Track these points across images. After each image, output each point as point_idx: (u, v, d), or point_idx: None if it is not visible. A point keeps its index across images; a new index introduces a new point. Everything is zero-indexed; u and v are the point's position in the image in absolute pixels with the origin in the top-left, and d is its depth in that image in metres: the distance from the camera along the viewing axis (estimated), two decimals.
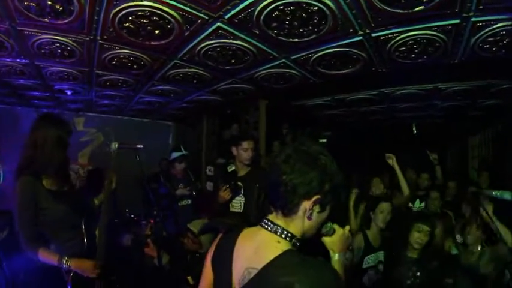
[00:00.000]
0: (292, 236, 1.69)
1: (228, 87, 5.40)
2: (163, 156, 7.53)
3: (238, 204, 4.67)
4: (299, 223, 1.70)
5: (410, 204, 6.25)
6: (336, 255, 1.95)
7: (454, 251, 4.67)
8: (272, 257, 1.59)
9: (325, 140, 10.26)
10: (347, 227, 1.99)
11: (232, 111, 7.37)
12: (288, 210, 1.67)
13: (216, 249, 1.92)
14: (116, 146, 3.51)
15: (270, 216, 1.75)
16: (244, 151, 4.61)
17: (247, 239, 1.79)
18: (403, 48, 3.72)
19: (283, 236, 1.68)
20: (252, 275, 1.63)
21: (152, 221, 4.63)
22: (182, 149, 5.94)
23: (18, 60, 4.47)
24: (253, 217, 4.31)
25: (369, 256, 4.45)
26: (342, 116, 8.14)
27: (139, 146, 3.67)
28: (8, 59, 4.45)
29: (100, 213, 3.39)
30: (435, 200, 5.88)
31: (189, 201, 5.87)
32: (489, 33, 3.36)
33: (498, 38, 3.45)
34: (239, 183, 4.65)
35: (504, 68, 4.51)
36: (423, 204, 6.19)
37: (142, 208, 6.87)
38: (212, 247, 1.95)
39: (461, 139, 11.00)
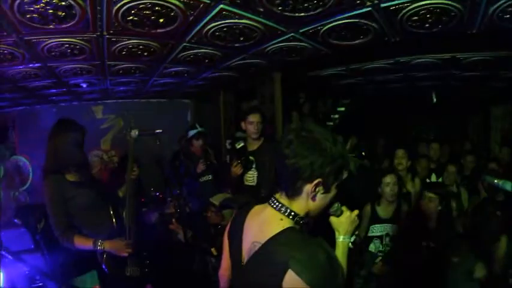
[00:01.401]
0: (295, 215, 1.81)
1: (240, 63, 5.37)
2: (183, 134, 7.56)
3: (251, 178, 4.81)
4: (302, 203, 1.81)
5: (434, 178, 6.21)
6: (341, 236, 2.03)
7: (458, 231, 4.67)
8: (274, 233, 1.74)
9: (343, 109, 10.25)
10: (355, 211, 2.06)
11: (248, 85, 7.34)
12: (292, 193, 1.80)
13: (231, 224, 2.08)
14: (137, 133, 3.63)
15: (277, 195, 1.89)
16: (250, 124, 4.68)
17: (255, 215, 1.94)
18: (416, 18, 3.58)
19: (286, 214, 1.80)
20: (257, 249, 1.79)
21: (177, 197, 4.76)
22: (197, 126, 5.97)
23: (31, 65, 4.56)
24: (265, 189, 4.51)
25: (375, 225, 4.54)
26: (358, 84, 8.09)
27: (158, 131, 3.78)
28: (21, 66, 4.55)
29: (125, 200, 3.70)
30: (451, 174, 5.79)
31: (210, 177, 5.91)
32: (509, 2, 3.19)
33: None
34: (251, 157, 4.73)
35: None
36: (440, 179, 6.09)
37: (165, 186, 6.99)
38: (229, 223, 2.11)
39: (484, 109, 10.67)
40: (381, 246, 4.51)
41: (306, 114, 8.62)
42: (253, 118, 4.69)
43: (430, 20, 3.65)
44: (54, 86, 6.12)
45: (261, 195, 4.49)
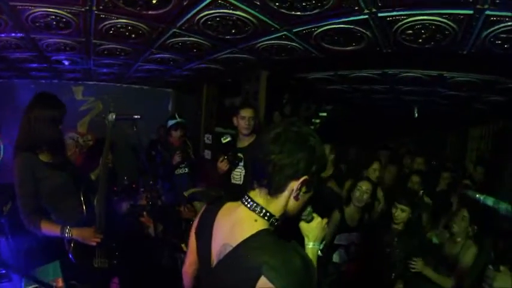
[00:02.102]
0: (271, 216, 1.70)
1: (228, 57, 5.30)
2: (162, 123, 7.47)
3: (238, 176, 4.62)
4: (282, 202, 1.70)
5: None
6: (311, 243, 1.96)
7: (435, 241, 4.68)
8: (247, 235, 1.62)
9: (325, 114, 10.19)
10: (325, 219, 1.99)
11: (233, 80, 7.28)
12: (275, 190, 1.67)
13: (199, 221, 1.94)
14: (114, 117, 3.48)
15: (251, 193, 1.75)
16: (242, 119, 4.52)
17: (227, 214, 1.81)
18: (410, 32, 3.59)
19: (261, 214, 1.69)
20: (227, 251, 1.66)
21: (150, 188, 4.66)
22: (177, 116, 5.88)
23: (13, 34, 4.40)
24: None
25: (342, 234, 4.47)
26: (344, 91, 8.07)
27: (136, 117, 3.64)
28: (2, 34, 4.38)
29: (97, 185, 3.51)
30: (415, 184, 5.83)
31: (186, 170, 5.82)
32: (503, 29, 3.24)
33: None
34: (239, 154, 4.56)
35: None
36: None
37: (140, 176, 6.88)
38: (196, 218, 1.98)
39: (462, 129, 10.93)
40: (345, 257, 4.47)
41: (287, 116, 8.59)
42: (246, 113, 4.52)
43: (424, 36, 3.67)
44: (36, 60, 5.96)
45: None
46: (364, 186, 4.52)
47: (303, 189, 1.68)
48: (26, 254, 3.37)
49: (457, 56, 4.10)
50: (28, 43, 4.83)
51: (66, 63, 6.14)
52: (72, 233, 3.21)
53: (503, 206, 3.51)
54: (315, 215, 1.95)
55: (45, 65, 6.51)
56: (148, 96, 9.27)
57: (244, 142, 4.62)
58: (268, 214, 1.69)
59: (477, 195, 3.15)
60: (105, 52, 5.27)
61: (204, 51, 4.97)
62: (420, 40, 3.78)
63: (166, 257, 4.56)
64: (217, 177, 4.66)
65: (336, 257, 4.47)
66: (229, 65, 5.89)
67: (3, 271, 3.02)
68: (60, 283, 2.95)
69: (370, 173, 5.51)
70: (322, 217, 1.99)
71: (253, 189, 1.75)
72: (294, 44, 4.41)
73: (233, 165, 4.53)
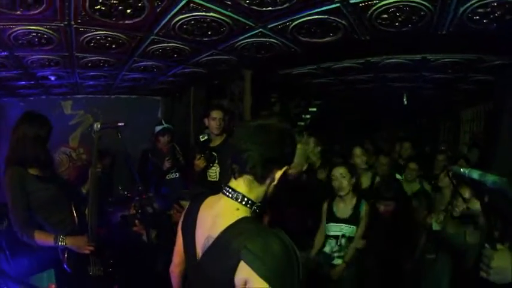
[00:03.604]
0: (253, 203, 1.78)
1: (210, 59, 5.35)
2: (153, 132, 7.53)
3: (214, 173, 4.89)
4: (264, 189, 1.81)
5: (398, 176, 6.35)
6: None
7: (436, 227, 4.69)
8: (228, 223, 1.69)
9: (315, 109, 10.37)
10: None
11: (219, 82, 7.34)
12: (262, 177, 1.77)
13: (184, 217, 2.01)
14: (99, 126, 3.58)
15: (232, 184, 1.83)
16: (212, 120, 4.81)
17: (209, 207, 1.88)
18: (385, 16, 3.60)
19: (243, 202, 1.76)
20: (210, 243, 1.73)
21: (144, 197, 4.70)
22: (163, 122, 5.96)
23: None
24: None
25: (330, 224, 4.48)
26: (330, 84, 8.09)
27: (120, 124, 3.72)
28: None
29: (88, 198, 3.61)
30: (413, 171, 5.98)
31: (177, 175, 5.91)
32: (479, 3, 3.23)
33: (489, 9, 3.33)
34: (213, 153, 4.82)
35: (496, 43, 4.41)
36: (402, 176, 6.25)
37: (133, 185, 6.91)
38: (182, 215, 2.05)
39: (454, 112, 10.98)
40: (336, 247, 4.43)
41: (276, 114, 8.62)
42: (216, 114, 4.86)
43: (399, 19, 3.66)
44: (22, 77, 6.00)
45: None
46: (338, 171, 4.43)
47: (280, 179, 1.81)
48: (23, 267, 3.44)
49: (437, 36, 4.11)
50: (12, 61, 4.89)
51: (53, 78, 6.16)
52: (65, 241, 3.32)
53: (490, 179, 3.54)
54: None
55: (32, 82, 6.54)
56: (138, 105, 9.25)
57: (216, 141, 4.92)
58: (250, 202, 1.77)
59: (462, 170, 3.22)
60: (89, 64, 5.33)
61: (184, 55, 5.02)
62: (397, 24, 3.77)
63: (160, 263, 4.60)
64: (195, 174, 4.88)
65: (327, 248, 4.47)
66: (212, 68, 5.92)
67: (4, 286, 3.07)
68: None
69: (355, 161, 5.59)
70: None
71: (235, 178, 1.83)
72: (271, 40, 4.46)
73: (209, 163, 4.77)
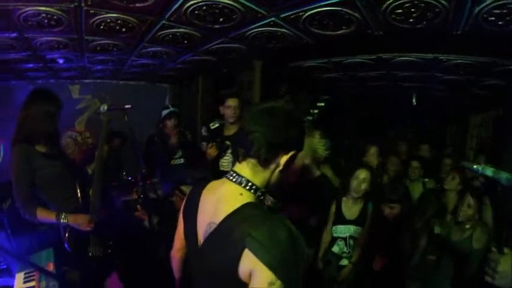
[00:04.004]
0: (257, 188, 1.71)
1: (220, 47, 5.31)
2: (160, 119, 7.51)
3: (227, 163, 4.77)
4: (268, 175, 1.75)
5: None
6: None
7: (437, 230, 4.55)
8: (231, 210, 1.61)
9: (323, 104, 10.24)
10: None
11: (228, 71, 7.30)
12: (264, 162, 1.70)
13: (185, 202, 1.95)
14: (105, 108, 3.53)
15: (237, 168, 1.78)
16: (227, 108, 4.69)
17: (211, 192, 1.81)
18: (400, 11, 3.54)
19: (247, 187, 1.70)
20: (212, 229, 1.66)
21: (148, 182, 4.66)
22: (170, 106, 5.93)
23: (6, 34, 4.45)
24: None
25: (338, 226, 4.40)
26: (340, 80, 8.00)
27: (127, 106, 3.67)
28: None
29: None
30: (415, 169, 5.89)
31: (182, 160, 5.86)
32: (495, 3, 3.17)
33: (505, 11, 3.28)
34: (227, 142, 4.70)
35: (511, 46, 4.30)
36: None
37: (138, 170, 6.90)
38: (184, 200, 1.99)
39: (462, 116, 10.81)
40: (345, 248, 4.36)
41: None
42: (231, 102, 4.71)
43: (414, 15, 3.60)
44: (30, 59, 5.98)
45: None
46: (362, 174, 4.36)
47: (286, 165, 1.73)
48: (23, 245, 3.42)
49: (451, 36, 4.04)
50: (22, 42, 4.85)
51: (61, 61, 6.15)
52: (67, 218, 3.31)
53: (504, 176, 3.52)
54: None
55: (41, 65, 6.53)
56: (145, 92, 9.21)
57: (230, 130, 4.78)
58: (254, 187, 1.70)
59: (474, 166, 3.16)
60: (98, 48, 5.29)
61: (194, 42, 4.97)
62: (411, 20, 3.72)
63: (162, 249, 4.58)
64: (207, 163, 4.78)
65: (336, 248, 4.41)
66: (222, 56, 5.88)
67: (4, 266, 3.04)
68: (51, 267, 2.96)
69: (369, 160, 5.51)
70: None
71: (239, 162, 1.78)
72: (283, 30, 4.40)
73: (221, 152, 4.67)
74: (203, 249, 1.72)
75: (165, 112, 5.81)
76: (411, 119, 11.34)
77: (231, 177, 1.75)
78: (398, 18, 3.71)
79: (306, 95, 9.91)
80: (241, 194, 1.69)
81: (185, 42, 4.96)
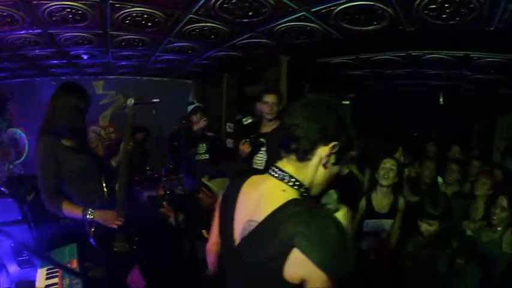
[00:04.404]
0: (301, 185, 1.63)
1: (247, 42, 5.19)
2: (184, 114, 7.50)
3: (260, 160, 4.61)
4: (311, 170, 1.65)
5: (440, 179, 6.02)
6: None
7: (469, 233, 4.49)
8: (275, 207, 1.53)
9: (348, 102, 10.11)
10: (349, 210, 1.90)
11: (253, 67, 7.19)
12: (303, 154, 1.62)
13: (223, 196, 1.86)
14: (132, 102, 3.49)
15: (279, 163, 1.70)
16: (264, 104, 4.52)
17: (252, 188, 1.73)
18: (433, 6, 3.41)
19: (290, 183, 1.62)
20: (253, 227, 1.58)
21: (173, 177, 4.60)
22: (195, 101, 5.90)
23: (31, 31, 4.40)
24: None
25: (370, 220, 4.32)
26: (366, 77, 7.89)
27: (155, 100, 3.64)
28: (21, 32, 4.40)
29: (119, 172, 3.53)
30: (454, 172, 5.59)
31: (207, 156, 5.79)
32: None
33: None
34: (262, 139, 4.55)
35: None
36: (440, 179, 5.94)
37: (162, 165, 6.90)
38: (221, 194, 1.90)
39: (489, 116, 10.51)
40: (375, 244, 4.33)
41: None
42: (269, 98, 4.55)
43: (447, 11, 3.49)
44: (55, 56, 5.96)
45: None
46: (389, 163, 4.37)
47: (332, 158, 1.64)
48: (46, 240, 3.40)
49: (483, 33, 3.92)
50: (46, 39, 4.81)
51: (85, 57, 6.12)
52: (94, 214, 3.25)
53: None
54: (341, 205, 1.86)
55: (65, 61, 6.52)
56: (169, 88, 9.26)
57: (267, 127, 4.62)
58: (297, 183, 1.62)
59: None
60: (123, 43, 5.22)
61: (221, 37, 4.87)
62: (444, 16, 3.59)
63: (187, 246, 4.51)
64: (240, 161, 4.67)
65: (364, 244, 4.35)
66: (248, 52, 5.77)
67: (26, 257, 3.02)
68: (75, 264, 2.95)
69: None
70: (349, 205, 1.90)
71: (281, 158, 1.71)
72: (313, 25, 4.27)
73: (255, 149, 4.54)
74: (241, 248, 1.64)
75: (190, 107, 5.74)
76: (436, 118, 11.14)
77: (273, 173, 1.67)
78: (431, 14, 3.59)
79: (331, 93, 9.78)
80: (284, 191, 1.60)
81: (212, 37, 4.85)
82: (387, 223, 4.33)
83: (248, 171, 1.89)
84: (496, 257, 3.90)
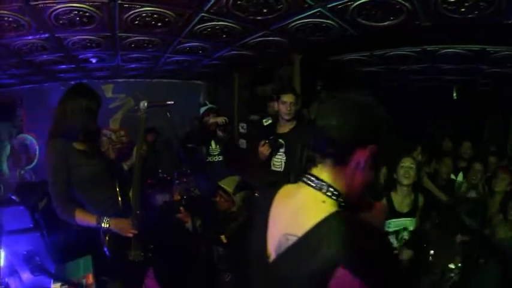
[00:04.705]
0: (339, 195, 1.47)
1: (260, 41, 5.09)
2: (196, 115, 7.41)
3: (279, 162, 4.49)
4: (348, 176, 1.49)
5: (453, 176, 5.96)
6: None
7: (486, 232, 4.42)
8: (315, 221, 1.38)
9: None
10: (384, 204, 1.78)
11: (265, 67, 7.11)
12: (341, 158, 1.47)
13: (254, 208, 1.74)
14: (146, 104, 3.34)
15: (314, 170, 1.54)
16: (283, 104, 4.42)
17: (287, 199, 1.58)
18: (452, 0, 3.34)
19: (328, 193, 1.46)
20: (291, 243, 1.43)
21: (184, 180, 4.50)
22: (207, 103, 5.80)
23: (38, 36, 4.31)
24: (294, 177, 4.16)
25: (391, 220, 4.22)
26: (379, 74, 7.78)
27: (169, 102, 3.49)
28: (28, 37, 4.30)
29: (131, 177, 3.38)
30: (477, 172, 5.36)
31: (221, 158, 5.67)
32: None
33: None
34: (280, 140, 4.45)
35: None
36: (460, 178, 5.88)
37: (174, 168, 6.83)
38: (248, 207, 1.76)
39: (504, 111, 10.37)
40: (396, 242, 4.21)
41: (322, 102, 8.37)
42: (287, 98, 4.43)
43: (466, 4, 3.41)
44: (63, 60, 5.87)
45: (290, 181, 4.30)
46: (408, 162, 4.30)
47: (368, 162, 1.48)
48: (59, 249, 3.27)
49: (502, 26, 3.82)
50: (54, 43, 4.72)
51: (94, 60, 6.03)
52: (109, 223, 3.11)
53: None
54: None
55: (73, 66, 6.45)
56: (179, 89, 9.19)
57: (284, 128, 4.53)
58: (336, 193, 1.47)
59: None
60: (132, 45, 5.12)
61: (234, 36, 4.77)
62: (463, 9, 3.50)
63: (203, 250, 4.41)
64: (255, 164, 4.57)
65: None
66: (260, 50, 5.67)
67: (40, 263, 2.88)
68: (91, 279, 2.86)
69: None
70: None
71: (315, 165, 1.54)
72: (328, 21, 4.16)
73: (274, 150, 4.42)
74: (277, 264, 1.49)
75: (203, 109, 5.63)
76: (449, 113, 11.01)
77: (309, 182, 1.51)
78: (449, 8, 3.51)
79: (342, 90, 9.73)
80: (323, 202, 1.45)
81: (224, 36, 4.75)
82: (410, 222, 4.26)
83: (278, 183, 1.73)
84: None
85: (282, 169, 4.46)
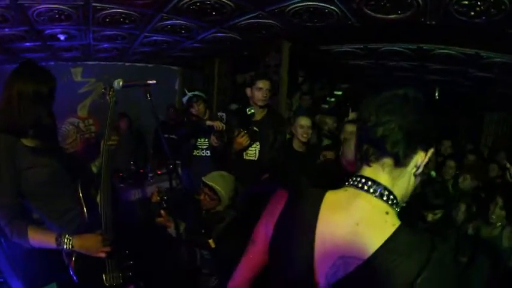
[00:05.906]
0: (397, 202, 1.28)
1: (250, 23, 4.88)
2: (170, 103, 7.25)
3: (253, 151, 4.47)
4: (405, 180, 1.30)
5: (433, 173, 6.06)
6: None
7: (470, 232, 4.55)
8: (384, 238, 1.17)
9: (340, 93, 10.19)
10: None
11: (249, 53, 6.95)
12: (403, 158, 1.26)
13: (280, 219, 1.38)
14: (121, 84, 2.74)
15: (367, 172, 1.29)
16: (258, 90, 4.35)
17: (338, 210, 1.29)
18: (466, 2, 3.43)
19: (389, 202, 1.25)
20: (352, 268, 1.19)
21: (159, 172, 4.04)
22: (186, 91, 5.37)
23: None
24: (266, 166, 4.29)
25: None
26: (365, 68, 7.91)
27: (150, 82, 2.86)
28: None
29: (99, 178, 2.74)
30: (450, 169, 5.79)
31: (208, 153, 5.19)
32: None
33: None
34: (255, 128, 4.37)
35: None
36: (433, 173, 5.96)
37: (152, 159, 6.37)
38: (270, 213, 1.43)
39: (477, 113, 11.22)
40: None
41: (305, 94, 8.27)
42: (263, 84, 4.36)
43: (477, 9, 3.51)
44: (27, 36, 5.42)
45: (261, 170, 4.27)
46: None
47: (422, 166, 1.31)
48: (22, 268, 2.63)
49: (501, 34, 4.02)
50: (16, 13, 4.23)
51: (62, 37, 5.59)
52: (73, 243, 2.43)
53: None
54: None
55: (39, 43, 5.98)
56: (153, 75, 8.61)
57: (258, 115, 4.48)
58: (395, 201, 1.27)
59: None
60: (107, 20, 4.70)
61: (224, 14, 4.52)
62: (473, 13, 3.61)
63: (185, 255, 3.98)
64: (231, 154, 4.43)
65: None
66: (249, 34, 5.44)
67: (2, 279, 2.50)
68: None
69: None
70: None
71: (369, 164, 1.29)
72: (333, 7, 4.13)
73: (253, 141, 4.36)
74: None
75: (187, 96, 5.12)
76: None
77: (366, 187, 1.27)
78: (460, 9, 3.61)
79: (323, 83, 9.82)
80: (387, 213, 1.23)
81: (214, 13, 4.48)
82: None
83: (317, 189, 1.40)
84: (499, 251, 4.05)
85: (256, 158, 4.46)
